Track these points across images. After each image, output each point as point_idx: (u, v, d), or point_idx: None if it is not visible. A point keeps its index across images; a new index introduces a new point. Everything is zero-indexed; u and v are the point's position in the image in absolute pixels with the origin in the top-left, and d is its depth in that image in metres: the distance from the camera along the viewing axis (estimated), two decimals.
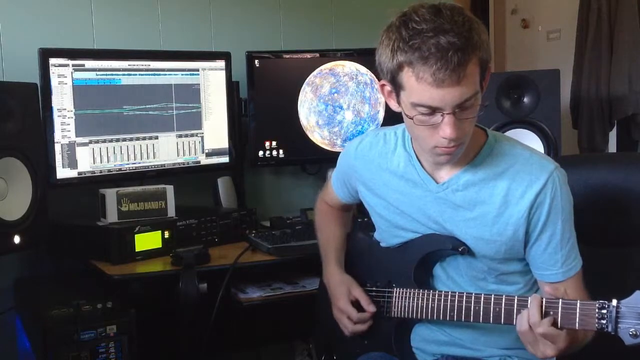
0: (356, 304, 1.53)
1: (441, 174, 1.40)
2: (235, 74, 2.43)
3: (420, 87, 1.21)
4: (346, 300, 1.54)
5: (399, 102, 1.30)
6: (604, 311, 1.17)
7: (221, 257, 2.02)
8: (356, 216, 1.84)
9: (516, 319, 1.26)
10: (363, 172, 1.53)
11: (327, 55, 2.53)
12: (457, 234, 1.39)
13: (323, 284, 1.68)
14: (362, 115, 2.56)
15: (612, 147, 2.99)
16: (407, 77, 1.22)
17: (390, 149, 1.48)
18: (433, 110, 1.23)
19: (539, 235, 1.35)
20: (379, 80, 1.34)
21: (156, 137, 2.25)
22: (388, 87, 1.31)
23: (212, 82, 2.37)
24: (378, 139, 1.51)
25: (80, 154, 2.09)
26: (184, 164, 2.33)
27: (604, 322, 1.17)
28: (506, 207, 1.34)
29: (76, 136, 2.07)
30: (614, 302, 1.17)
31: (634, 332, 1.15)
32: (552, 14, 3.47)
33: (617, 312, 1.16)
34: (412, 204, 1.44)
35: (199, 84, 2.34)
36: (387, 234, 1.53)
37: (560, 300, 1.22)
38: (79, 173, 2.09)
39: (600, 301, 1.18)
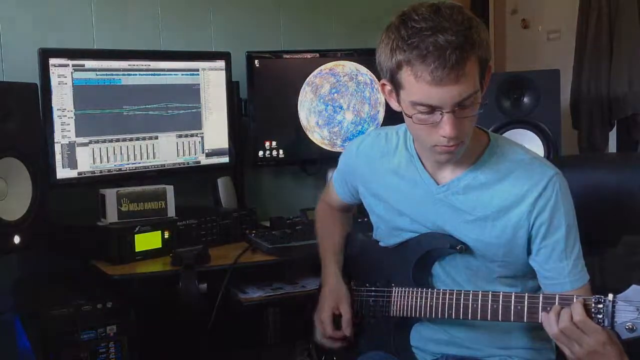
0: (339, 317, 1.54)
1: (443, 174, 1.40)
2: (235, 74, 2.43)
3: (419, 85, 1.21)
4: (329, 313, 1.54)
5: (399, 102, 1.30)
6: (600, 305, 1.18)
7: (221, 257, 2.02)
8: (356, 216, 1.84)
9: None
10: (364, 171, 1.53)
11: (327, 55, 2.53)
12: (456, 236, 1.39)
13: None
14: (362, 115, 2.56)
15: (612, 147, 2.98)
16: (406, 75, 1.22)
17: (392, 149, 1.48)
18: (432, 109, 1.23)
19: (542, 241, 1.34)
20: (380, 79, 1.34)
21: (156, 137, 2.25)
22: (388, 87, 1.31)
23: (212, 82, 2.37)
24: (380, 139, 1.51)
25: (80, 154, 2.08)
26: (184, 164, 2.33)
27: (600, 316, 1.18)
28: (506, 210, 1.34)
29: (76, 136, 2.07)
30: (610, 296, 1.18)
31: (631, 326, 1.15)
32: (552, 14, 3.46)
33: (614, 307, 1.17)
34: (411, 204, 1.44)
35: (199, 84, 2.34)
36: (386, 234, 1.53)
37: (557, 295, 1.22)
38: (79, 173, 2.09)
39: (597, 296, 1.19)
